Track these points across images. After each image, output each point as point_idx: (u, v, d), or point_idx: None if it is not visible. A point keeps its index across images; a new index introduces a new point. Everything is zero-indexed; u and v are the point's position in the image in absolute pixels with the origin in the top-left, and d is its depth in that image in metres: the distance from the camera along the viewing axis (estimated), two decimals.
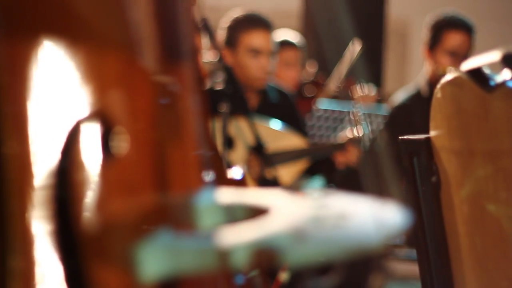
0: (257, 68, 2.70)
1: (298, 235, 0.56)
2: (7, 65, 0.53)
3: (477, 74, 0.95)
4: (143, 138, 0.63)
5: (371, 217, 0.60)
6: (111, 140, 0.59)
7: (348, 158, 2.74)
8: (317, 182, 3.36)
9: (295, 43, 3.62)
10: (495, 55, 0.92)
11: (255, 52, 2.69)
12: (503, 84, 0.92)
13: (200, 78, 0.76)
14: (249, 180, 2.65)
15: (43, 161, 0.54)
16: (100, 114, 0.59)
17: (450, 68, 2.97)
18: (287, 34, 3.72)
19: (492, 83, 0.93)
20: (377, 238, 0.56)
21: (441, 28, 3.08)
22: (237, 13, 2.80)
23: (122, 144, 0.60)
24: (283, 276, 2.26)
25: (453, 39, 3.07)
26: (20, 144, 0.53)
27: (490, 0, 6.45)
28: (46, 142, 0.55)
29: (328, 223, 0.59)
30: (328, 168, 2.82)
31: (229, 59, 2.69)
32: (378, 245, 0.56)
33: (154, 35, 0.66)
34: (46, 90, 0.57)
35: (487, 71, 0.95)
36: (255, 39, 2.70)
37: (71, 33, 0.58)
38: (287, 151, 2.69)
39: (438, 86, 0.99)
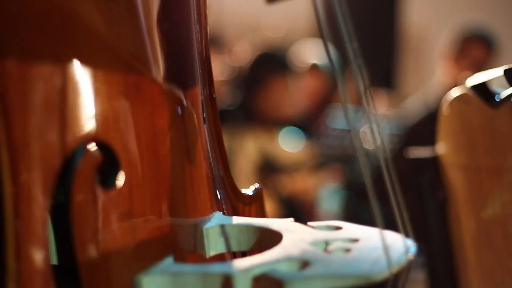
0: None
1: (302, 262, 0.55)
2: (15, 88, 0.52)
3: (482, 90, 0.94)
4: (155, 155, 0.61)
5: (379, 243, 0.59)
6: (117, 165, 0.58)
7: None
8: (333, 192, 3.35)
9: (321, 67, 3.70)
10: (499, 71, 0.92)
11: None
12: (508, 99, 0.92)
13: (212, 97, 0.74)
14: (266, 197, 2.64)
15: (45, 184, 0.53)
16: (105, 136, 0.57)
17: (467, 77, 2.98)
18: (315, 55, 3.77)
19: (497, 98, 0.93)
20: (384, 265, 0.55)
21: (464, 38, 3.14)
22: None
23: (128, 169, 0.58)
24: None
25: (474, 50, 3.11)
26: (25, 171, 0.52)
27: (509, 4, 6.42)
28: (52, 162, 0.54)
29: (336, 245, 0.58)
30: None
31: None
32: (385, 273, 0.54)
33: (165, 51, 0.64)
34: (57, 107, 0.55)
35: (492, 87, 0.95)
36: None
37: (86, 46, 0.57)
38: (296, 162, 2.70)
39: (445, 102, 0.99)
